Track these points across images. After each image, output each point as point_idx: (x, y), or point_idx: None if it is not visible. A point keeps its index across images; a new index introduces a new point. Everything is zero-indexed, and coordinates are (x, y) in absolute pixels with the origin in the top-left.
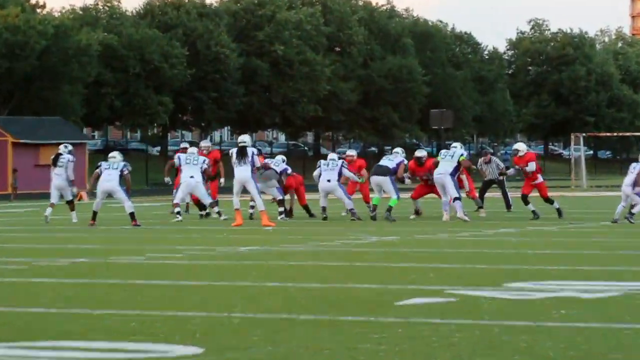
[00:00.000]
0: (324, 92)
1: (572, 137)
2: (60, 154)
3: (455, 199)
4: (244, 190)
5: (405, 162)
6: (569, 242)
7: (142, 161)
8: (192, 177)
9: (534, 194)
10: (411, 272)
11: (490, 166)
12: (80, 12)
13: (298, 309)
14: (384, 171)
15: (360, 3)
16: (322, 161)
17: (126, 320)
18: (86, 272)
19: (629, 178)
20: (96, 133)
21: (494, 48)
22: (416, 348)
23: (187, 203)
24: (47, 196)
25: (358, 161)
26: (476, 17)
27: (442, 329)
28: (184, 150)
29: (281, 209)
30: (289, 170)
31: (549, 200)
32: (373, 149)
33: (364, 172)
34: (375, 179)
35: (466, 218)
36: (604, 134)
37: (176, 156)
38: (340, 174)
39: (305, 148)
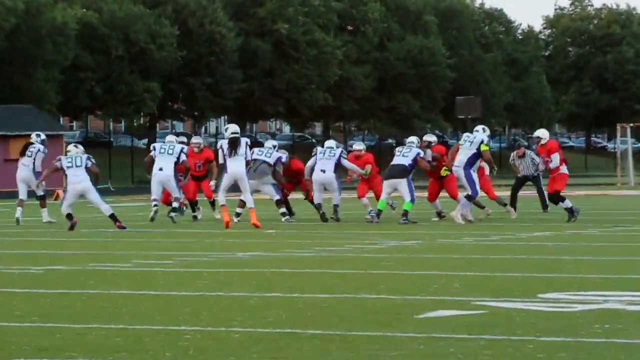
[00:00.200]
0: (335, 78)
1: (618, 127)
2: (32, 143)
3: (467, 196)
4: (234, 189)
5: (422, 153)
6: (612, 248)
7: (127, 156)
8: (160, 169)
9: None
10: (433, 281)
11: (524, 161)
12: None
13: (304, 322)
14: (401, 171)
15: None
16: (319, 148)
17: (109, 335)
18: (64, 281)
19: None
20: (74, 124)
21: (528, 27)
22: None
23: (183, 203)
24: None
25: (366, 156)
26: None
27: (469, 345)
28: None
29: (282, 209)
30: (284, 158)
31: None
32: (390, 141)
33: (368, 166)
34: (391, 183)
35: (460, 220)
36: None
37: (152, 146)
38: (337, 165)
39: (313, 140)
